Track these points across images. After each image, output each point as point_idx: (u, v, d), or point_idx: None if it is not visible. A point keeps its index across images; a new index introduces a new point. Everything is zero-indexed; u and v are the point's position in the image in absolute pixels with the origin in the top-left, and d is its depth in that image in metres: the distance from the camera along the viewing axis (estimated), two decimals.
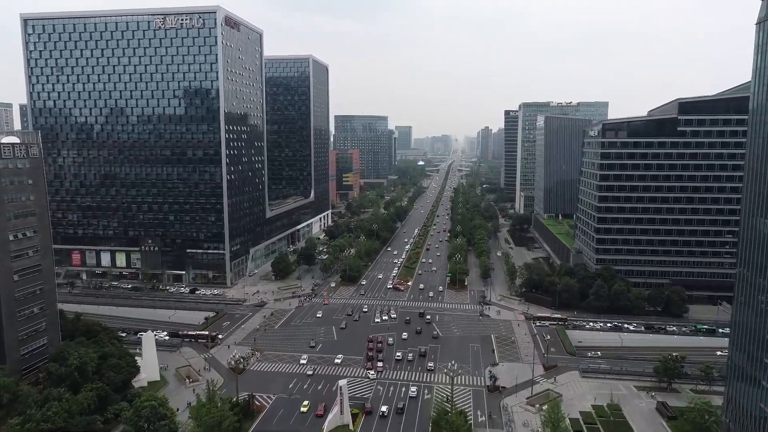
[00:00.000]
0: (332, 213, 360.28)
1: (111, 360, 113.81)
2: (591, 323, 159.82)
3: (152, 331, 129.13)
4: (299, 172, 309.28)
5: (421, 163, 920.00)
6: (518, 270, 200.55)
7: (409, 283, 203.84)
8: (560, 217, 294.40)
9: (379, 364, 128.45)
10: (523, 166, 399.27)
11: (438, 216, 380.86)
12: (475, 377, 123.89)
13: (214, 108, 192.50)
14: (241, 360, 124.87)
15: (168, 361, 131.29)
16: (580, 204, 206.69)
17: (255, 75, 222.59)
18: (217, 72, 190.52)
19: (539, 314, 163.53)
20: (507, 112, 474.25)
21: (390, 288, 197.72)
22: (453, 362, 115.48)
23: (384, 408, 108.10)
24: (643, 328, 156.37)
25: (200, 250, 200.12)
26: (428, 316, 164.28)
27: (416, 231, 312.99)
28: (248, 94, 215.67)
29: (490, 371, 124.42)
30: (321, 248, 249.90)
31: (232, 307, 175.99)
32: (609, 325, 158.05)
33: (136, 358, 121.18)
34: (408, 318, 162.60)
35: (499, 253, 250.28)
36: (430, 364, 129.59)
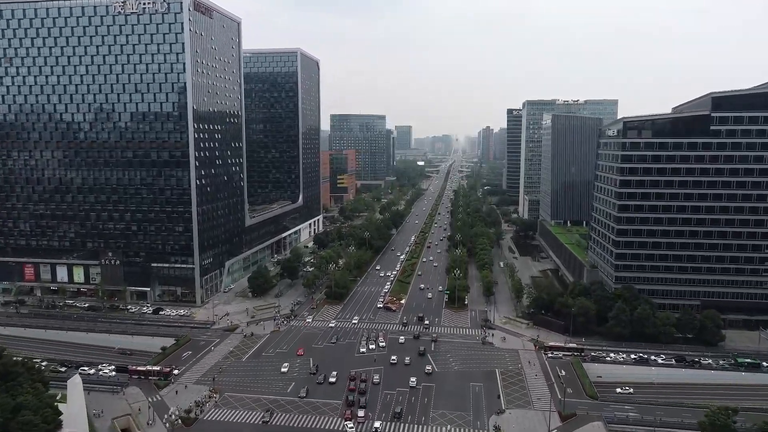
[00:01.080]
0: (324, 218, 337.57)
1: (24, 415, 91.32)
2: (612, 354, 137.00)
3: (79, 375, 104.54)
4: (287, 174, 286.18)
5: (420, 163, 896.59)
6: (525, 288, 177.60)
7: (402, 302, 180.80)
8: (569, 224, 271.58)
9: (360, 413, 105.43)
10: (527, 168, 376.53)
11: (440, 214, 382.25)
12: (476, 431, 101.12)
13: (181, 104, 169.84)
14: (193, 407, 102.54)
15: (106, 405, 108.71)
16: (594, 212, 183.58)
17: (232, 68, 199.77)
18: (184, 63, 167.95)
19: (551, 343, 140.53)
20: (510, 111, 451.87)
21: (380, 307, 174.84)
22: (449, 428, 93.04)
23: (378, 424, 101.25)
24: (673, 361, 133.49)
25: (167, 264, 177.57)
26: (427, 321, 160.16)
27: (413, 239, 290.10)
28: (223, 89, 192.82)
29: (496, 425, 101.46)
30: (308, 258, 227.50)
31: (197, 331, 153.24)
32: (633, 357, 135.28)
33: (61, 407, 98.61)
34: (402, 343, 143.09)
35: (502, 264, 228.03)
36: (428, 367, 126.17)
